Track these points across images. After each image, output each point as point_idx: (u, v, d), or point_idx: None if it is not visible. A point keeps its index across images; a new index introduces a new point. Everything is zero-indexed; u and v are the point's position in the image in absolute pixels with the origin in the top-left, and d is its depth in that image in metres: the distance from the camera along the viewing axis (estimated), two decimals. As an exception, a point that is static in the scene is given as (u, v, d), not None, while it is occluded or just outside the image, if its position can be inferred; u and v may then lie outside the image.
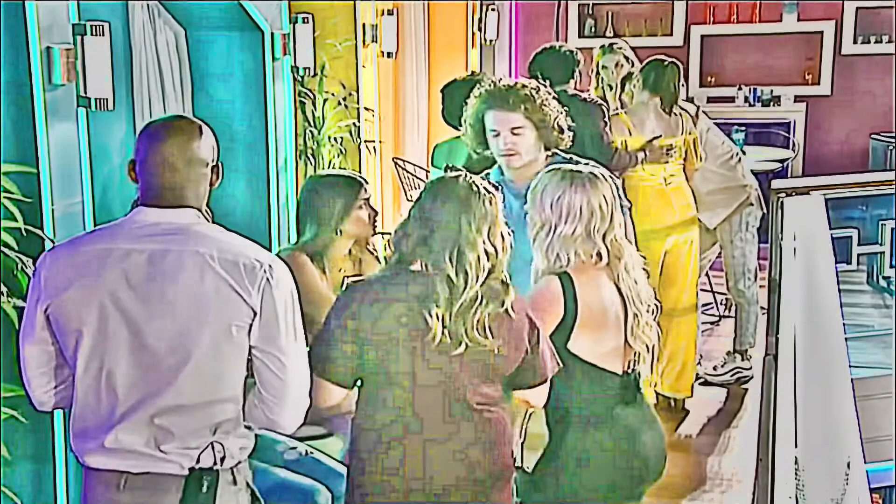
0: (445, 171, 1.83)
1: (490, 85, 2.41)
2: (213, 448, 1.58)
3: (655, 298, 2.08)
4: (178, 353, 1.55)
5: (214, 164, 1.66)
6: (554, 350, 1.86)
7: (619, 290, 2.00)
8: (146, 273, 1.55)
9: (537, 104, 2.36)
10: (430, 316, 1.68)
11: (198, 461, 1.58)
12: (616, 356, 2.00)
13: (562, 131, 2.42)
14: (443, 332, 1.69)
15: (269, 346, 1.59)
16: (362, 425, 1.79)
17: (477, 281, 1.70)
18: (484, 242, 1.71)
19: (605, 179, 2.02)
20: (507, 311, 1.73)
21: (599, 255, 1.98)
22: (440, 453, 1.74)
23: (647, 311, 2.04)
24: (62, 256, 1.62)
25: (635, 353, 2.02)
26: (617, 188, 2.40)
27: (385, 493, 1.76)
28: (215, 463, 1.59)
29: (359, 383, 1.80)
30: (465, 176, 1.77)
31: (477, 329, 1.70)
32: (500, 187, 2.45)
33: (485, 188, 1.76)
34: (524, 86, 2.38)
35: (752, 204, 3.86)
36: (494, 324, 1.72)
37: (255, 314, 1.56)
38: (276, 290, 1.58)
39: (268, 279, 1.57)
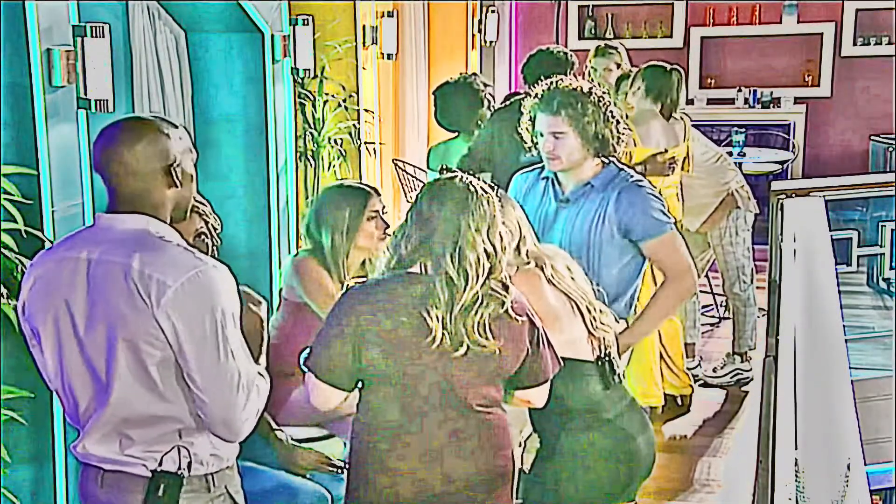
0: (440, 171, 1.82)
1: (544, 89, 2.45)
2: (178, 452, 1.56)
3: (595, 286, 2.11)
4: (108, 365, 1.53)
5: (167, 166, 1.55)
6: (555, 349, 1.86)
7: (560, 290, 2.01)
8: (86, 282, 1.54)
9: (580, 110, 2.36)
10: (430, 317, 1.68)
11: (160, 464, 1.56)
12: (583, 344, 2.02)
13: (608, 139, 2.39)
14: (443, 334, 1.69)
15: (187, 364, 1.51)
16: (362, 427, 1.79)
17: (477, 281, 1.69)
18: (483, 242, 1.71)
19: (505, 197, 2.03)
20: (507, 311, 1.73)
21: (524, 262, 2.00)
22: (441, 455, 1.74)
23: (597, 300, 2.06)
24: (35, 264, 1.63)
25: (602, 340, 2.05)
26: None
27: (385, 495, 1.75)
28: (180, 468, 1.57)
29: (359, 385, 1.80)
30: (462, 177, 1.77)
31: (477, 330, 1.70)
32: (546, 184, 2.48)
33: (482, 188, 1.76)
34: (573, 90, 2.38)
35: (738, 207, 3.83)
36: (495, 325, 1.72)
37: (163, 332, 1.49)
38: (188, 308, 1.48)
39: (176, 296, 1.48)
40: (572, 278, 2.05)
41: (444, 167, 1.83)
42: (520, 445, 2.35)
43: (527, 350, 1.78)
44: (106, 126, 1.60)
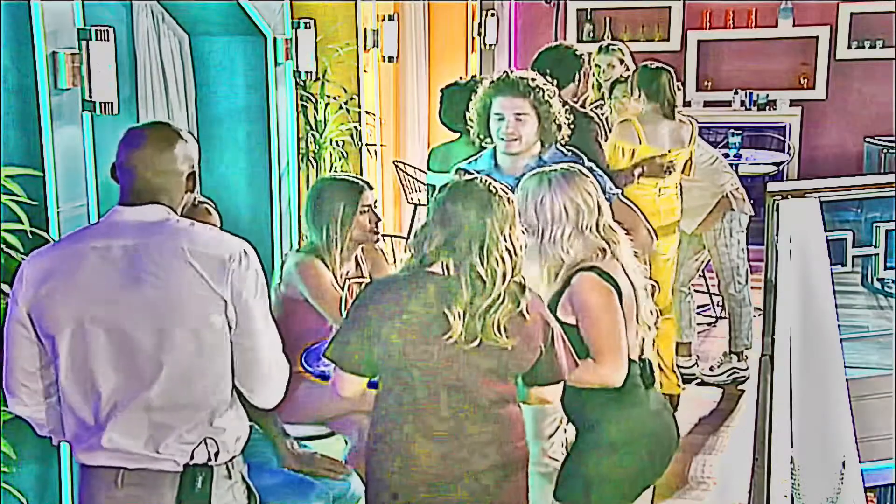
0: (456, 173, 1.86)
1: (502, 75, 2.50)
2: (206, 444, 1.60)
3: (650, 278, 2.13)
4: (160, 348, 1.56)
5: (191, 171, 1.66)
6: (570, 348, 1.89)
7: (627, 276, 2.03)
8: (123, 268, 1.56)
9: (543, 97, 2.45)
10: (452, 314, 1.70)
11: (192, 457, 1.59)
12: (633, 344, 2.04)
13: (559, 128, 2.49)
14: (462, 332, 1.71)
15: (242, 328, 1.61)
16: (379, 422, 1.82)
17: (503, 280, 1.72)
18: (506, 241, 1.74)
19: (582, 174, 2.06)
20: (521, 312, 1.76)
21: (603, 249, 2.02)
22: (454, 448, 1.76)
23: (645, 293, 2.07)
24: (43, 257, 1.62)
25: (643, 339, 2.06)
26: (601, 177, 2.43)
27: (401, 487, 1.78)
28: (209, 459, 1.61)
29: (376, 379, 1.82)
30: (482, 178, 1.80)
31: (494, 329, 1.73)
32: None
33: (501, 189, 1.79)
34: (534, 78, 2.48)
35: (733, 209, 3.85)
36: (510, 324, 1.75)
37: (225, 303, 1.58)
38: (247, 278, 1.61)
39: (237, 268, 1.59)
40: (632, 266, 2.05)
41: (460, 169, 1.87)
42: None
43: (540, 349, 1.80)
44: (133, 128, 1.67)
